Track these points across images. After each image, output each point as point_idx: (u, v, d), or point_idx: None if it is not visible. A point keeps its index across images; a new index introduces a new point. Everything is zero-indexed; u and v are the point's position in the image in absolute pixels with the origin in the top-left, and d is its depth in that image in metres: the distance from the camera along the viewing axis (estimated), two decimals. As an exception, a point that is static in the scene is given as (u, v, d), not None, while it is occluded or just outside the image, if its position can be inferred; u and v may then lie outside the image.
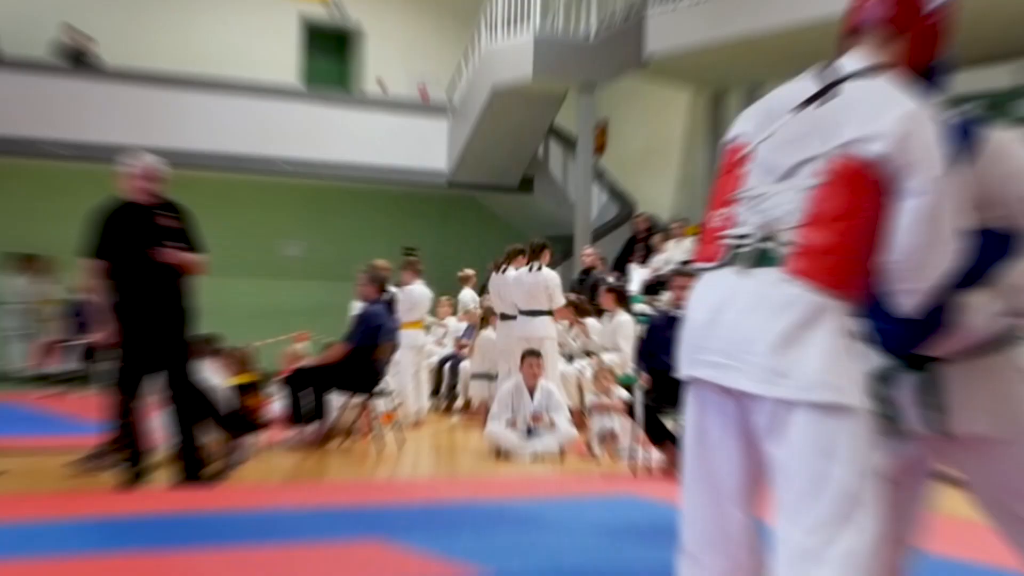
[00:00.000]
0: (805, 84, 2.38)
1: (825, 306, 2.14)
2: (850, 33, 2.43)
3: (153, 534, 5.73)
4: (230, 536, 5.68)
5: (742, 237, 2.27)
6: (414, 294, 11.04)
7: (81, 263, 7.18)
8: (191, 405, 7.27)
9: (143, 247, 7.03)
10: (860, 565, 2.05)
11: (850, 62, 2.36)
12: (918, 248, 2.15)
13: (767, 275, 2.19)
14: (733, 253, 2.27)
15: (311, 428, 9.43)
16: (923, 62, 2.38)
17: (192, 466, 7.19)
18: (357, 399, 9.40)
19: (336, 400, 9.43)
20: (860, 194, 2.17)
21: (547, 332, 9.30)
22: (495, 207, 17.95)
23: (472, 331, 12.13)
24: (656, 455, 7.65)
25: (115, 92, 14.69)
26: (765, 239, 2.22)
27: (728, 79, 15.28)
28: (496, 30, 15.60)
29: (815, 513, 2.06)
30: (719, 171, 2.48)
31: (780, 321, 2.13)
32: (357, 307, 10.27)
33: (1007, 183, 2.39)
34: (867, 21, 2.38)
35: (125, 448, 7.14)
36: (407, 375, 11.01)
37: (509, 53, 15.12)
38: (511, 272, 10.42)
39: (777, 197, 2.25)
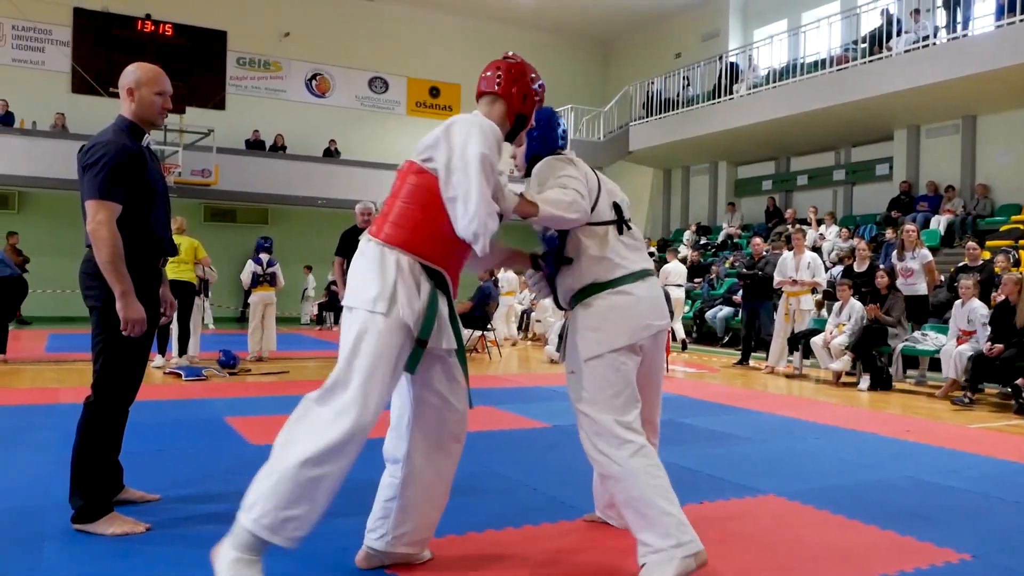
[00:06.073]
0: None
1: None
2: (479, 95, 2.67)
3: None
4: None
5: None
6: (508, 278, 13.49)
7: (334, 260, 7.93)
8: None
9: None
10: (344, 400, 2.33)
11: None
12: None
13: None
14: None
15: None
16: (513, 115, 2.64)
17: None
18: (477, 332, 10.72)
19: (466, 332, 10.23)
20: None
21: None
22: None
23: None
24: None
25: (348, 171, 17.74)
26: None
27: (672, 163, 18.85)
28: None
29: (339, 362, 2.35)
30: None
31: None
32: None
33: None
34: (484, 89, 2.66)
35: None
36: (503, 319, 13.12)
37: (560, 149, 18.45)
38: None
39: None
